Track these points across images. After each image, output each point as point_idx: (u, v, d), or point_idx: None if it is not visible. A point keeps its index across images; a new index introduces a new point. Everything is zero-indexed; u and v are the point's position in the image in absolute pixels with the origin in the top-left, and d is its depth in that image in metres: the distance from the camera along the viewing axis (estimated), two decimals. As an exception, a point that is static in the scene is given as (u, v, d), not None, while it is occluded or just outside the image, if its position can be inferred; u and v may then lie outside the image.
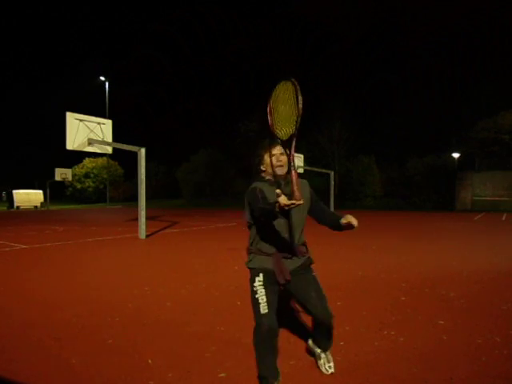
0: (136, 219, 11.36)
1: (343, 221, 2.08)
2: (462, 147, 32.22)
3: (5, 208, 34.82)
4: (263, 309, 2.11)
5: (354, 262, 6.59)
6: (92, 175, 50.69)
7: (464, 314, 3.63)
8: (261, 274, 2.20)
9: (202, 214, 25.19)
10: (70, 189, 51.73)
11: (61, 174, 33.70)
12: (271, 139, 2.16)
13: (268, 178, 2.24)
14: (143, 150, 10.58)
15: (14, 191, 35.52)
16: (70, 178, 35.99)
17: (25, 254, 7.75)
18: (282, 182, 2.19)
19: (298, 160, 22.01)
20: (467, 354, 2.70)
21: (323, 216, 2.29)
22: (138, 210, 10.68)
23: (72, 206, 41.65)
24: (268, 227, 2.16)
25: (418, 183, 34.21)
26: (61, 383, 2.38)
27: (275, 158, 2.16)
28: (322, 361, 2.49)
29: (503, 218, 19.28)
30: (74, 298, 4.35)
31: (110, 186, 44.55)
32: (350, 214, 2.04)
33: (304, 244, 2.35)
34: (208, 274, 5.60)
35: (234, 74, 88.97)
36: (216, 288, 4.72)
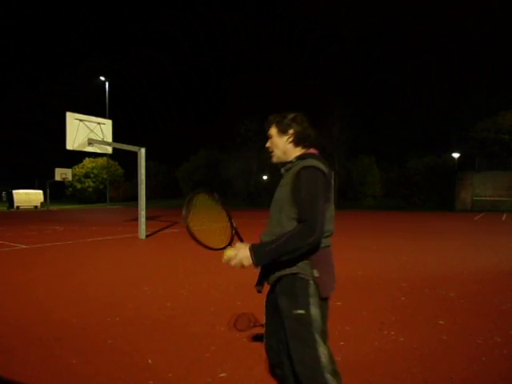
0: (136, 219, 11.35)
1: None
2: (461, 147, 32.21)
3: (5, 208, 34.78)
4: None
5: (354, 261, 6.59)
6: (92, 175, 50.63)
7: (464, 314, 3.63)
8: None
9: (201, 214, 25.15)
10: (70, 189, 51.68)
11: (61, 173, 33.71)
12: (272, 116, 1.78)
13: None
14: (143, 150, 10.58)
15: (14, 191, 35.48)
16: (70, 178, 36.00)
17: (25, 254, 7.74)
18: (282, 169, 1.79)
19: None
20: (467, 354, 2.70)
21: None
22: (137, 210, 10.68)
23: (72, 206, 41.61)
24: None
25: (417, 183, 34.23)
26: (61, 383, 2.38)
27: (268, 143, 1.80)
28: None
29: (503, 218, 19.27)
30: (74, 297, 4.35)
31: (109, 186, 44.52)
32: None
33: None
34: (208, 275, 5.60)
35: (234, 74, 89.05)
36: (216, 288, 4.72)
